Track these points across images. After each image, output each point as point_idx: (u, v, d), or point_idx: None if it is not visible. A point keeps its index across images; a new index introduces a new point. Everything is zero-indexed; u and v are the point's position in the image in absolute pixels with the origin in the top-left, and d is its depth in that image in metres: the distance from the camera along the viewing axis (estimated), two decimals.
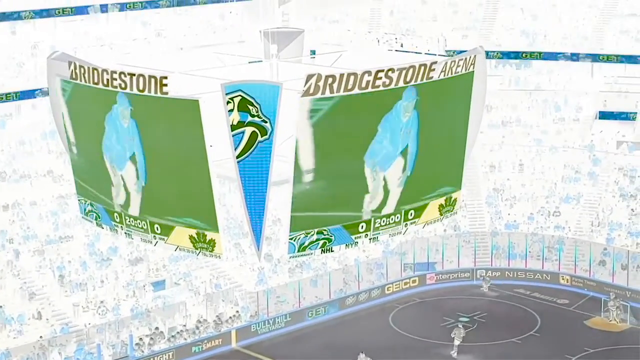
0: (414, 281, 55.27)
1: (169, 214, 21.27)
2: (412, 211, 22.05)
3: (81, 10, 60.57)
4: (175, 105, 19.92)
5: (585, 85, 64.73)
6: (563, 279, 55.06)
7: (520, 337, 48.21)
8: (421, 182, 21.90)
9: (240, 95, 19.11)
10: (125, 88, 20.29)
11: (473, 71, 21.98)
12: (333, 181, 20.36)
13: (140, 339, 46.02)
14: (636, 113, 62.74)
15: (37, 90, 55.35)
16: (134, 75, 20.08)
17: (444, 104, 21.62)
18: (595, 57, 64.01)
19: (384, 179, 21.04)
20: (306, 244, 20.63)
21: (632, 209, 56.52)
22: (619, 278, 53.01)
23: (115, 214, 22.47)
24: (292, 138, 19.57)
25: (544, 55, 65.14)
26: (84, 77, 21.13)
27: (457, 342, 46.79)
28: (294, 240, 20.46)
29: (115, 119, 20.96)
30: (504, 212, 59.02)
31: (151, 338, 46.24)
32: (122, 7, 61.58)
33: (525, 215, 58.49)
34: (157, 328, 46.85)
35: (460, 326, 47.92)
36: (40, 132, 56.60)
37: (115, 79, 20.39)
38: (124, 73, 20.27)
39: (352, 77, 19.50)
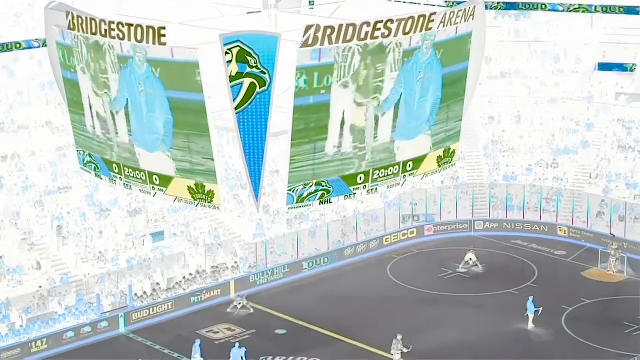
0: (412, 232, 55.43)
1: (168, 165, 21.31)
2: (411, 163, 22.11)
3: None
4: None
5: (584, 37, 64.51)
6: (561, 230, 55.24)
7: (518, 288, 48.44)
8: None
9: (238, 46, 19.06)
10: (123, 38, 20.23)
11: (471, 32, 21.96)
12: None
13: (141, 288, 46.26)
14: (635, 64, 62.58)
15: (35, 40, 55.07)
16: (132, 25, 20.02)
17: (444, 56, 21.59)
18: (594, 8, 63.61)
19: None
20: (305, 195, 20.69)
21: None
22: (616, 229, 53.17)
23: (114, 165, 22.51)
24: (291, 89, 19.55)
25: (543, 6, 64.75)
26: (82, 27, 21.06)
27: (468, 257, 49.56)
28: (293, 192, 20.52)
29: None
30: (502, 164, 59.07)
31: (152, 289, 46.50)
32: None
33: (523, 166, 58.54)
34: (155, 279, 47.16)
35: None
36: (39, 83, 56.45)
37: (114, 30, 20.33)
38: (122, 23, 20.20)
39: (350, 28, 19.45)
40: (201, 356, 40.54)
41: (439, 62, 21.24)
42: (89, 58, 21.62)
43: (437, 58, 21.13)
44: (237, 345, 40.71)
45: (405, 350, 39.93)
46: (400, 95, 20.94)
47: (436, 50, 20.96)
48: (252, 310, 45.65)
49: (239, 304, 45.84)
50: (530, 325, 43.85)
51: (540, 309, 43.58)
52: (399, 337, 40.29)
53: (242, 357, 40.12)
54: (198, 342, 40.97)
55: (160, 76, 20.12)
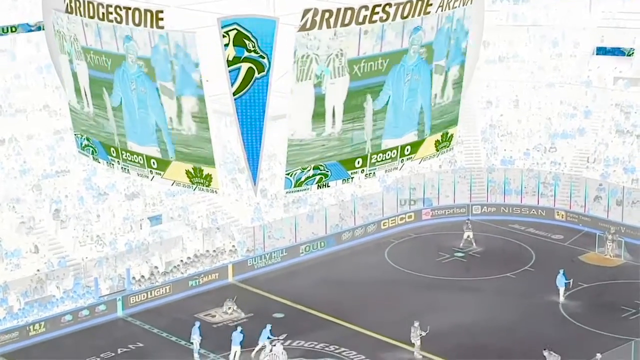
0: (409, 216, 55.47)
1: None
2: (409, 147, 22.07)
3: None
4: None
5: (583, 21, 64.41)
6: (558, 214, 55.30)
7: (515, 272, 48.54)
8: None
9: (236, 29, 18.99)
10: (120, 22, 20.18)
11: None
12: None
13: (139, 272, 46.29)
14: (634, 49, 62.50)
15: (32, 23, 54.92)
16: (130, 8, 19.95)
17: (429, 56, 21.54)
18: None
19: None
20: (302, 179, 20.65)
21: None
22: (613, 214, 53.25)
23: (112, 149, 22.48)
24: (289, 74, 19.51)
25: None
26: (79, 10, 21.00)
27: (466, 235, 50.76)
28: (291, 176, 20.49)
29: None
30: (500, 148, 59.07)
31: (149, 272, 46.53)
32: None
33: (521, 151, 58.57)
34: (153, 263, 47.17)
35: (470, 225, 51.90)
36: (36, 66, 56.35)
37: (111, 13, 20.28)
38: (119, 7, 20.13)
39: (349, 12, 19.40)
40: (200, 337, 40.57)
41: (424, 62, 21.20)
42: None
43: (423, 60, 21.12)
44: (238, 329, 40.64)
45: (423, 334, 40.00)
46: (389, 98, 20.96)
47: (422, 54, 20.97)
48: (243, 314, 44.53)
49: (229, 307, 44.85)
50: (562, 299, 44.53)
51: (571, 281, 44.69)
52: (416, 324, 40.13)
53: (268, 337, 39.98)
54: (197, 324, 41.02)
55: (147, 72, 20.31)
